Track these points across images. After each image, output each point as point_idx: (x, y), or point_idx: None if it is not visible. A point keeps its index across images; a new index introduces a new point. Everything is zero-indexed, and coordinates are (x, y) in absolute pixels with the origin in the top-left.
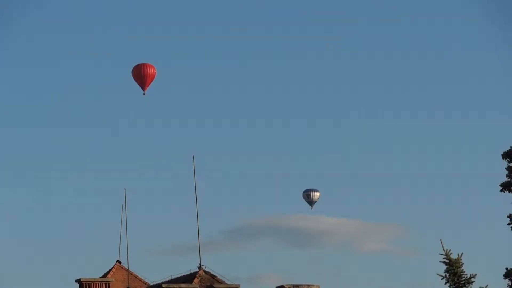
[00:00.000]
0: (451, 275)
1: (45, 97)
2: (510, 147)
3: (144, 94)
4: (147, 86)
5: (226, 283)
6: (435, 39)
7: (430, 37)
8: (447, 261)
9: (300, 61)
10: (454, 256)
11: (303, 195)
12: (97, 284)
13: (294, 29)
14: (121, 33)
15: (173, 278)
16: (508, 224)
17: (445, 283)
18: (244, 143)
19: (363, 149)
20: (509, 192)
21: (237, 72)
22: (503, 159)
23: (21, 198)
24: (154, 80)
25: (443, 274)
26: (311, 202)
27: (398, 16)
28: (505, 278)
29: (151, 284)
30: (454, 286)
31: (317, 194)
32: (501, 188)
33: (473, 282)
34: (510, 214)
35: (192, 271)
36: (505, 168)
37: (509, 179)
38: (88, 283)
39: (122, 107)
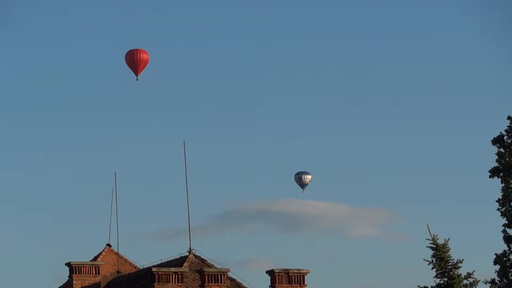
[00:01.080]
0: (438, 260)
1: (37, 80)
2: (500, 133)
3: (137, 79)
4: (140, 72)
5: (216, 267)
6: (418, 25)
7: (411, 22)
8: (434, 246)
9: (290, 45)
10: (441, 241)
11: (295, 178)
12: (87, 268)
13: (292, 13)
14: (114, 19)
15: (163, 262)
16: (497, 209)
17: (432, 268)
18: (235, 127)
19: (352, 134)
20: (498, 178)
21: (227, 57)
22: (493, 144)
23: (11, 181)
24: (147, 65)
25: (430, 259)
26: (302, 185)
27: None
28: (494, 264)
29: (141, 267)
30: (440, 271)
31: (309, 177)
32: (490, 174)
33: (460, 267)
34: (498, 199)
35: (182, 255)
36: (495, 153)
37: (498, 165)
38: (78, 267)
39: (115, 91)
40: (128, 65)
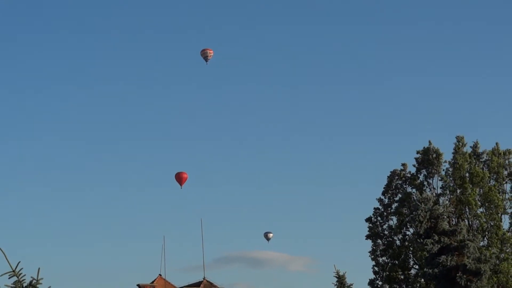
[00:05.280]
0: (339, 283)
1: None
2: (370, 216)
3: (181, 187)
4: (183, 183)
5: (218, 287)
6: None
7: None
8: (337, 276)
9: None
10: (341, 273)
11: (264, 234)
12: (148, 287)
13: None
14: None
15: (189, 284)
16: (369, 256)
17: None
18: (230, 208)
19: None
20: (370, 240)
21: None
22: (365, 221)
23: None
24: (187, 180)
25: (336, 283)
26: (268, 239)
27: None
28: (368, 284)
29: (178, 287)
30: None
31: (271, 234)
32: (366, 237)
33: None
34: (369, 251)
35: (199, 280)
36: (367, 226)
37: (370, 233)
38: (144, 286)
39: (163, 195)
40: (176, 180)
